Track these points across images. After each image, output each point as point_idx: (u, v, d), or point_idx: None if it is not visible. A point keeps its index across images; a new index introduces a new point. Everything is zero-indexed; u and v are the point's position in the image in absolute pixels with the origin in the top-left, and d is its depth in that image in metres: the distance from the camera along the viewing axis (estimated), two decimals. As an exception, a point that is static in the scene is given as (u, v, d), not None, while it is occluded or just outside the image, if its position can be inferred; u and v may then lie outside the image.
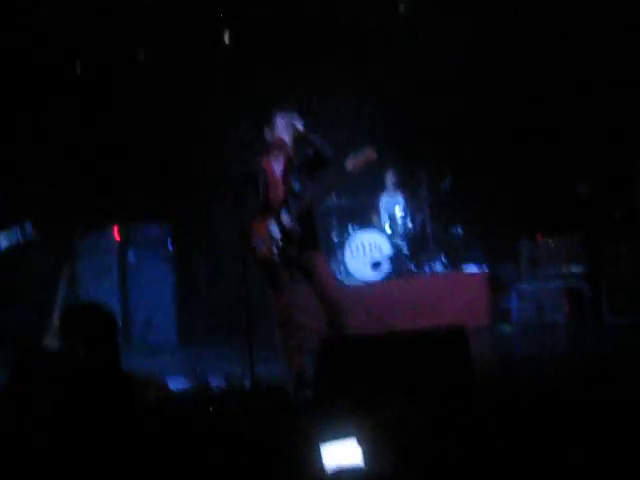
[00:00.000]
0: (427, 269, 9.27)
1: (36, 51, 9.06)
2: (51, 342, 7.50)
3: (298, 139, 5.81)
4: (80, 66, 9.68)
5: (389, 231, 9.41)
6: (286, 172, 5.85)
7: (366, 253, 9.27)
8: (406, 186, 9.86)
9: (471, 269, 9.17)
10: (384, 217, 9.66)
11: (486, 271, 9.04)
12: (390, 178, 9.87)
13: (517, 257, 9.04)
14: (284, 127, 5.83)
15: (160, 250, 9.66)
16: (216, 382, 5.89)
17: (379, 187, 9.93)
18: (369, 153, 5.70)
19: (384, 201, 9.89)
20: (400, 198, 9.79)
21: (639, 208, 7.47)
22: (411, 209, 9.57)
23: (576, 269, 8.44)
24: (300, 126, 5.75)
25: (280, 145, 5.82)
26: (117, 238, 9.64)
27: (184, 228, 10.02)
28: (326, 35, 9.68)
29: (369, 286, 9.15)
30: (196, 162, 9.82)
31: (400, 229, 9.43)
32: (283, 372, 6.13)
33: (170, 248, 9.64)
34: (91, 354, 3.08)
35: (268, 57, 9.66)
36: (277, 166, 5.88)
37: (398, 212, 9.50)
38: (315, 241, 5.89)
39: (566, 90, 9.22)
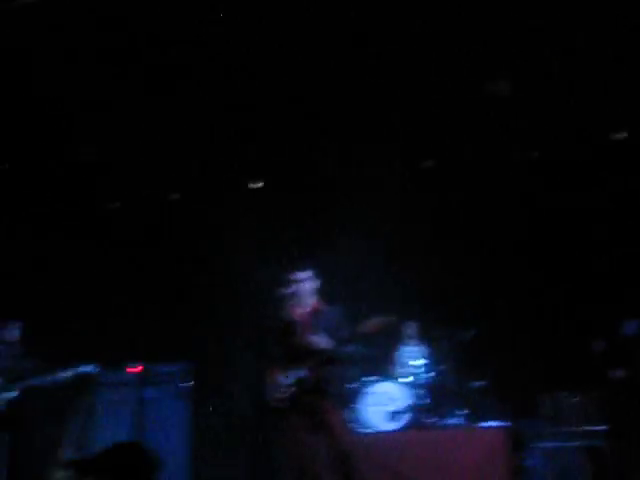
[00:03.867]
0: (446, 422, 9.10)
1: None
2: (61, 476, 7.43)
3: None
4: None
5: (408, 381, 9.30)
6: (312, 325, 5.93)
7: (384, 403, 9.14)
8: (428, 338, 9.87)
9: (490, 425, 8.99)
10: (403, 368, 9.60)
11: (505, 426, 8.85)
12: (409, 330, 9.90)
13: (538, 414, 8.89)
14: (307, 289, 6.01)
15: (177, 388, 9.58)
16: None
17: (397, 338, 9.94)
18: (387, 320, 5.87)
19: (404, 352, 9.90)
20: (420, 349, 9.80)
21: None
22: (432, 361, 9.52)
23: (597, 427, 8.25)
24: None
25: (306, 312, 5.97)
26: (134, 371, 9.59)
27: (203, 368, 9.99)
28: (348, 189, 10.07)
29: (385, 436, 8.96)
30: (223, 304, 9.96)
31: (420, 380, 9.34)
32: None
33: (186, 386, 9.57)
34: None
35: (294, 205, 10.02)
36: (306, 319, 5.98)
37: (418, 363, 9.45)
38: (328, 392, 5.87)
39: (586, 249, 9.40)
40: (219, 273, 10.06)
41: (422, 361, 9.50)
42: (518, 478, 8.62)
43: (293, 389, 5.82)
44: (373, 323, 5.77)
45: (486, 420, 9.11)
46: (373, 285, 9.45)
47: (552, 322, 9.38)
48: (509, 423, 8.98)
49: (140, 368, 9.60)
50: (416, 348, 9.88)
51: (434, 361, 9.52)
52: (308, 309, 6.03)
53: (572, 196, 9.63)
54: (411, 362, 9.57)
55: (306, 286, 6.04)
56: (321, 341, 5.84)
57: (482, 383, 9.41)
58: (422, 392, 9.29)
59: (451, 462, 8.44)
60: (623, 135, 9.27)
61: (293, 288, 6.04)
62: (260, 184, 10.16)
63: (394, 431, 9.04)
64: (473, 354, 9.47)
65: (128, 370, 9.56)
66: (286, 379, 5.84)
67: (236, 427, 9.79)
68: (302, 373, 5.80)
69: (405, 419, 9.07)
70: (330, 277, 6.55)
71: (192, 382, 9.68)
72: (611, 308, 8.20)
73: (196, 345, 10.05)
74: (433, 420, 9.21)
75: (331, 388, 5.91)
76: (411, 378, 9.37)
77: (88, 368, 7.62)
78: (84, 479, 3.05)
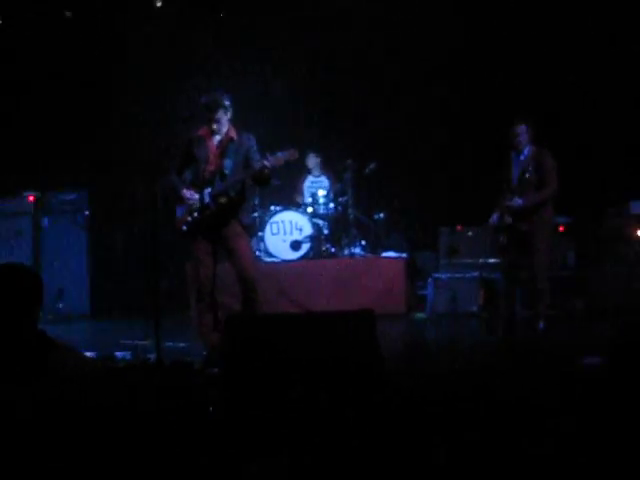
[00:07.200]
0: (346, 252, 9.28)
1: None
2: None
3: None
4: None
5: (310, 212, 9.37)
6: (221, 149, 5.82)
7: (286, 232, 9.22)
8: (331, 169, 9.88)
9: (390, 255, 9.22)
10: (307, 198, 9.65)
11: (404, 257, 9.10)
12: (313, 161, 9.85)
13: (436, 247, 9.13)
14: (222, 116, 5.82)
15: (75, 217, 9.46)
16: (122, 354, 5.83)
17: (304, 168, 9.90)
18: (291, 154, 5.80)
19: (308, 182, 9.91)
20: (324, 180, 9.84)
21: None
22: (334, 192, 9.57)
23: (492, 260, 8.52)
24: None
25: (215, 107, 5.78)
26: (31, 200, 9.39)
27: (101, 195, 9.81)
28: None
29: (286, 265, 9.12)
30: (117, 128, 9.62)
31: (322, 211, 9.41)
32: (192, 348, 6.13)
33: (85, 214, 9.46)
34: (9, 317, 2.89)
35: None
36: (214, 141, 5.86)
37: (321, 193, 9.49)
38: (237, 218, 5.85)
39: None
40: (119, 95, 9.64)
41: (325, 192, 9.53)
42: (414, 305, 8.98)
43: (197, 213, 5.80)
44: (277, 157, 5.73)
45: (386, 251, 9.33)
46: (277, 114, 9.26)
47: (454, 157, 9.40)
48: (408, 254, 9.24)
49: (36, 196, 9.39)
50: (320, 179, 9.89)
51: (336, 192, 9.56)
52: (222, 135, 5.89)
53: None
54: (314, 192, 9.58)
55: (221, 112, 5.86)
56: (231, 167, 5.79)
57: (383, 215, 9.56)
58: (324, 222, 9.39)
59: (351, 290, 8.69)
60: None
61: (211, 114, 5.85)
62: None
63: (295, 260, 9.19)
64: (375, 187, 9.53)
65: (25, 198, 9.35)
66: (194, 202, 5.80)
67: (134, 253, 9.73)
68: (207, 198, 5.76)
69: (307, 248, 9.20)
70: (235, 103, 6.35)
71: (89, 210, 9.56)
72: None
73: (93, 173, 9.77)
74: (334, 250, 9.38)
75: (240, 214, 5.90)
76: (314, 208, 9.42)
77: None
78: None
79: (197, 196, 5.80)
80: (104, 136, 9.69)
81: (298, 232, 9.20)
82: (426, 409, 4.02)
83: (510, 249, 7.43)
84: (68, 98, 9.72)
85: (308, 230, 9.18)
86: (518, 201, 7.20)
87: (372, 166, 9.35)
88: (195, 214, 5.81)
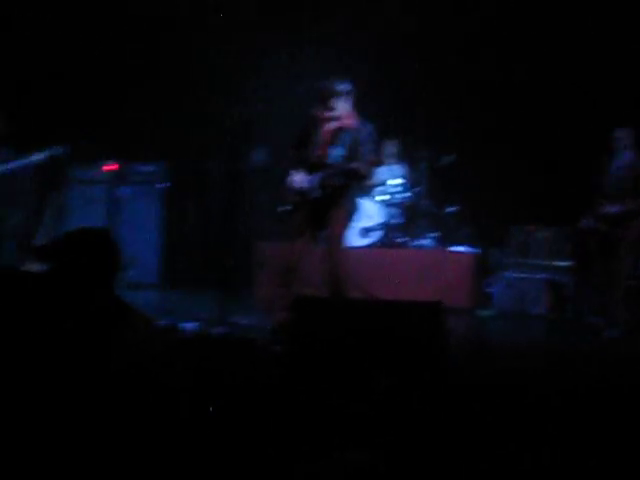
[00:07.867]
0: (415, 243, 9.23)
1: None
2: (31, 268, 7.48)
3: None
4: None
5: (382, 200, 9.33)
6: (333, 136, 5.86)
7: (357, 219, 9.21)
8: (406, 158, 9.83)
9: (459, 250, 9.15)
10: (380, 186, 9.60)
11: (473, 252, 9.01)
12: (390, 149, 9.81)
13: (507, 244, 9.03)
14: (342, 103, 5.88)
15: (152, 188, 9.61)
16: (188, 326, 5.91)
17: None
18: (377, 159, 6.08)
19: (382, 170, 9.86)
20: (399, 168, 9.78)
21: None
22: (408, 182, 9.52)
23: (562, 263, 8.40)
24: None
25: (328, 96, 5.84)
26: (109, 170, 9.54)
27: (178, 169, 9.92)
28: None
29: (354, 251, 9.09)
30: (199, 103, 9.70)
31: (394, 199, 9.37)
32: (257, 326, 6.20)
33: (162, 186, 9.59)
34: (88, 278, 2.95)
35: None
36: (329, 127, 5.91)
37: (395, 182, 9.44)
38: (341, 204, 5.94)
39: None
40: (207, 70, 9.70)
41: (399, 180, 9.48)
42: (480, 302, 8.89)
43: (304, 196, 5.94)
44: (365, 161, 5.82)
45: (456, 245, 9.25)
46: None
47: (535, 156, 9.25)
48: (478, 250, 9.15)
49: (116, 166, 9.53)
50: (395, 167, 9.84)
51: (411, 182, 9.51)
52: (337, 123, 5.94)
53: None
54: (388, 181, 9.54)
55: (334, 100, 5.91)
56: (336, 155, 5.85)
57: (456, 208, 9.48)
58: (396, 211, 9.36)
59: (418, 281, 8.62)
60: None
61: (330, 102, 5.90)
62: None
63: (365, 247, 9.17)
64: (451, 179, 9.44)
65: (104, 168, 9.49)
66: (302, 184, 5.92)
67: (207, 228, 9.83)
68: (314, 182, 5.87)
69: (377, 236, 9.18)
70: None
71: (168, 183, 9.69)
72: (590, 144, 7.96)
73: (172, 146, 9.87)
74: (404, 239, 9.34)
75: (344, 201, 5.98)
76: (387, 196, 9.39)
77: (60, 150, 7.47)
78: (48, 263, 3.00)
79: (306, 179, 5.88)
80: (185, 109, 9.78)
81: (369, 219, 9.20)
82: (486, 406, 4.01)
83: (597, 256, 7.27)
84: (150, 72, 9.82)
85: (378, 218, 9.16)
86: (612, 209, 7.04)
87: (448, 158, 9.26)
88: (301, 196, 5.94)
